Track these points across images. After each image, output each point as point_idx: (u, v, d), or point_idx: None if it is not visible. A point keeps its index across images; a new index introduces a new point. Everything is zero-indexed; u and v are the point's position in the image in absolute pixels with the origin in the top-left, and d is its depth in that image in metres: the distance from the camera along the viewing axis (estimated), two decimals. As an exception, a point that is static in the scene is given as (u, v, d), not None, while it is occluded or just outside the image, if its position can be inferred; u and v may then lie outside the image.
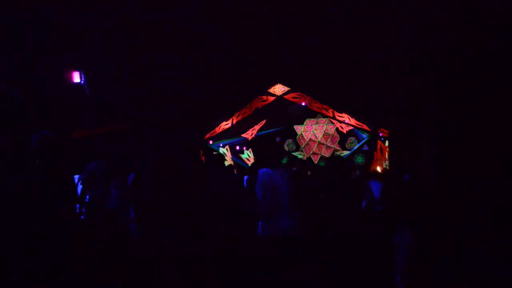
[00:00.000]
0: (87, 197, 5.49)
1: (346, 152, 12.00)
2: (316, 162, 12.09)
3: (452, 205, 3.26)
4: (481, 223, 3.28)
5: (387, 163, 11.09)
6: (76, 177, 5.88)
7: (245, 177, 5.36)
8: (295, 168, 5.59)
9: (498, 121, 7.02)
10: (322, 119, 12.30)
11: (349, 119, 11.90)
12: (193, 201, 5.10)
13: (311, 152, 12.40)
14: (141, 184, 4.43)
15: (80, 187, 5.69)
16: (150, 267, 4.35)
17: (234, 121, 12.18)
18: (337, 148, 12.18)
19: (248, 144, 12.42)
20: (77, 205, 5.47)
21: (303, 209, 4.32)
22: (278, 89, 12.07)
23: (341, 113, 11.92)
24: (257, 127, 12.29)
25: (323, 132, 12.30)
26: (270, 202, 4.31)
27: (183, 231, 4.79)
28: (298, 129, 12.47)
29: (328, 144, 12.28)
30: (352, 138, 12.07)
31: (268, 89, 12.05)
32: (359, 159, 11.86)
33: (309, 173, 5.48)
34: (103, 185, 5.35)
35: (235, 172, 5.94)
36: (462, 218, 3.28)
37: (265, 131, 12.31)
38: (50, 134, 3.13)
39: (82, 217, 5.40)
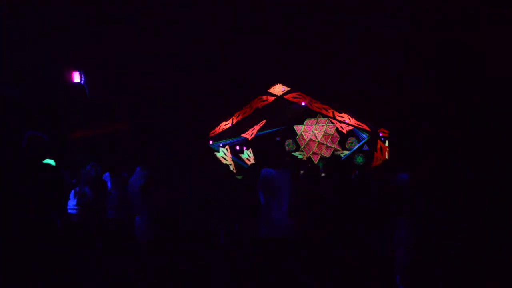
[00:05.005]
0: (85, 198, 5.48)
1: (346, 152, 11.99)
2: (316, 162, 12.09)
3: (453, 205, 3.25)
4: (482, 223, 3.27)
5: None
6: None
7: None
8: (302, 172, 5.50)
9: (500, 121, 7.02)
10: (322, 119, 12.29)
11: (349, 119, 11.89)
12: (193, 201, 5.09)
13: (311, 152, 12.39)
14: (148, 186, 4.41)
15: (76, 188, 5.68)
16: (151, 266, 4.35)
17: (234, 121, 12.18)
18: (337, 148, 12.17)
19: (248, 144, 12.41)
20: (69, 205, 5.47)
21: (303, 210, 4.30)
22: (278, 89, 12.07)
23: (341, 113, 11.92)
24: (257, 127, 12.29)
25: (323, 132, 12.28)
26: (272, 202, 4.27)
27: (183, 231, 4.80)
28: (298, 129, 12.46)
29: (328, 144, 12.26)
30: (352, 138, 12.06)
31: (268, 89, 12.06)
32: (359, 159, 11.85)
33: (302, 172, 5.43)
34: (99, 187, 5.35)
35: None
36: (463, 218, 3.28)
37: (265, 131, 12.30)
38: (40, 134, 3.13)
39: (76, 218, 5.39)
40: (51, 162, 5.31)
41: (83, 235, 5.03)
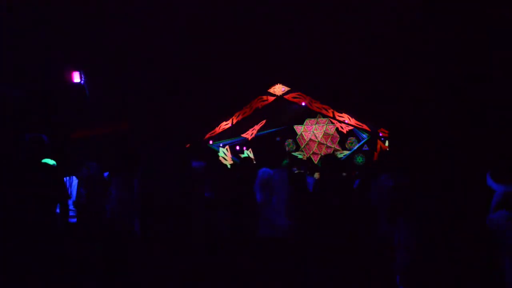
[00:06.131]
0: (84, 198, 5.47)
1: (346, 152, 11.99)
2: (316, 162, 12.09)
3: (453, 205, 3.25)
4: (482, 223, 3.27)
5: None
6: (74, 178, 5.87)
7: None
8: (295, 169, 5.55)
9: (500, 121, 7.02)
10: (322, 119, 12.30)
11: (349, 119, 11.90)
12: (194, 200, 5.09)
13: (311, 152, 12.39)
14: (144, 184, 4.41)
15: (75, 188, 5.68)
16: (150, 266, 4.35)
17: (234, 121, 12.19)
18: (337, 148, 12.18)
19: (248, 144, 12.42)
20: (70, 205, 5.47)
21: (300, 210, 4.30)
22: (278, 89, 12.08)
23: (341, 113, 11.93)
24: (257, 127, 12.29)
25: (323, 132, 12.29)
26: (269, 202, 4.28)
27: (184, 230, 4.79)
28: (298, 129, 12.47)
29: (328, 144, 12.27)
30: (352, 138, 12.07)
31: (268, 89, 12.07)
32: (359, 159, 11.85)
33: (300, 171, 5.43)
34: (99, 186, 5.34)
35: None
36: (463, 218, 3.28)
37: (265, 131, 12.31)
38: (41, 135, 3.16)
39: (75, 219, 5.39)
40: (51, 161, 5.31)
41: (82, 235, 5.03)
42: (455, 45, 7.63)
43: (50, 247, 2.95)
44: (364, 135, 11.85)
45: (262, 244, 4.24)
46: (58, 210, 3.35)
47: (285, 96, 12.05)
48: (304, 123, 12.41)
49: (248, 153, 12.37)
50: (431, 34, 7.80)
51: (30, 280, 2.84)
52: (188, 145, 11.42)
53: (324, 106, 12.01)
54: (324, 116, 12.20)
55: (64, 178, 5.58)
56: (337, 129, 12.17)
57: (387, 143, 11.47)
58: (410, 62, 8.52)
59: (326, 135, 12.27)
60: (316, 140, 12.34)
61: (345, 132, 12.09)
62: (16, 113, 7.13)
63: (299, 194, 4.39)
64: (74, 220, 5.46)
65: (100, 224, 5.27)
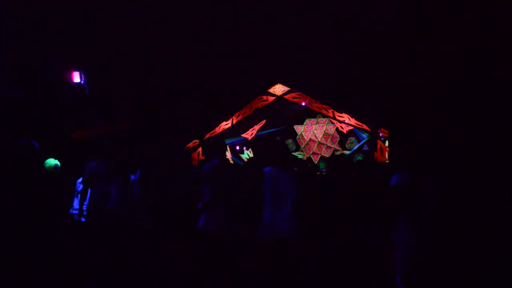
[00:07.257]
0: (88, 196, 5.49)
1: (346, 152, 11.99)
2: (316, 162, 12.10)
3: (453, 204, 3.26)
4: (482, 223, 3.28)
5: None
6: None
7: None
8: (295, 169, 5.52)
9: (500, 120, 7.02)
10: (322, 119, 12.30)
11: (349, 119, 11.90)
12: (193, 201, 5.09)
13: (311, 152, 12.39)
14: (146, 184, 4.42)
15: (80, 186, 5.70)
16: (151, 266, 4.36)
17: (234, 121, 12.19)
18: (337, 148, 12.18)
19: (248, 144, 12.42)
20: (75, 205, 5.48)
21: (306, 210, 4.29)
22: (278, 89, 12.09)
23: (341, 113, 11.94)
24: (257, 127, 12.29)
25: (323, 132, 12.29)
26: (275, 202, 4.25)
27: (184, 230, 4.80)
28: (298, 129, 12.46)
29: (328, 144, 12.27)
30: (352, 138, 12.07)
31: (268, 89, 12.08)
32: (359, 159, 11.85)
33: (299, 170, 5.42)
34: (104, 184, 5.35)
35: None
36: (463, 218, 3.28)
37: (265, 131, 12.31)
38: (31, 141, 3.18)
39: (83, 219, 5.40)
40: (55, 161, 5.32)
41: (84, 235, 5.04)
42: (455, 45, 7.63)
43: (50, 247, 2.95)
44: (364, 135, 11.85)
45: (262, 244, 4.24)
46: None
47: (285, 96, 12.06)
48: (304, 123, 12.41)
49: (248, 153, 12.37)
50: (432, 34, 7.80)
51: (30, 280, 2.84)
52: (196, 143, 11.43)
53: (324, 106, 12.02)
54: (324, 116, 12.20)
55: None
56: (337, 129, 12.17)
57: (387, 143, 11.47)
58: (410, 62, 8.52)
59: (326, 135, 12.27)
60: (316, 140, 12.34)
61: (345, 132, 12.09)
62: (16, 113, 7.13)
63: (304, 194, 4.38)
64: (75, 218, 5.47)
65: (101, 224, 5.28)
